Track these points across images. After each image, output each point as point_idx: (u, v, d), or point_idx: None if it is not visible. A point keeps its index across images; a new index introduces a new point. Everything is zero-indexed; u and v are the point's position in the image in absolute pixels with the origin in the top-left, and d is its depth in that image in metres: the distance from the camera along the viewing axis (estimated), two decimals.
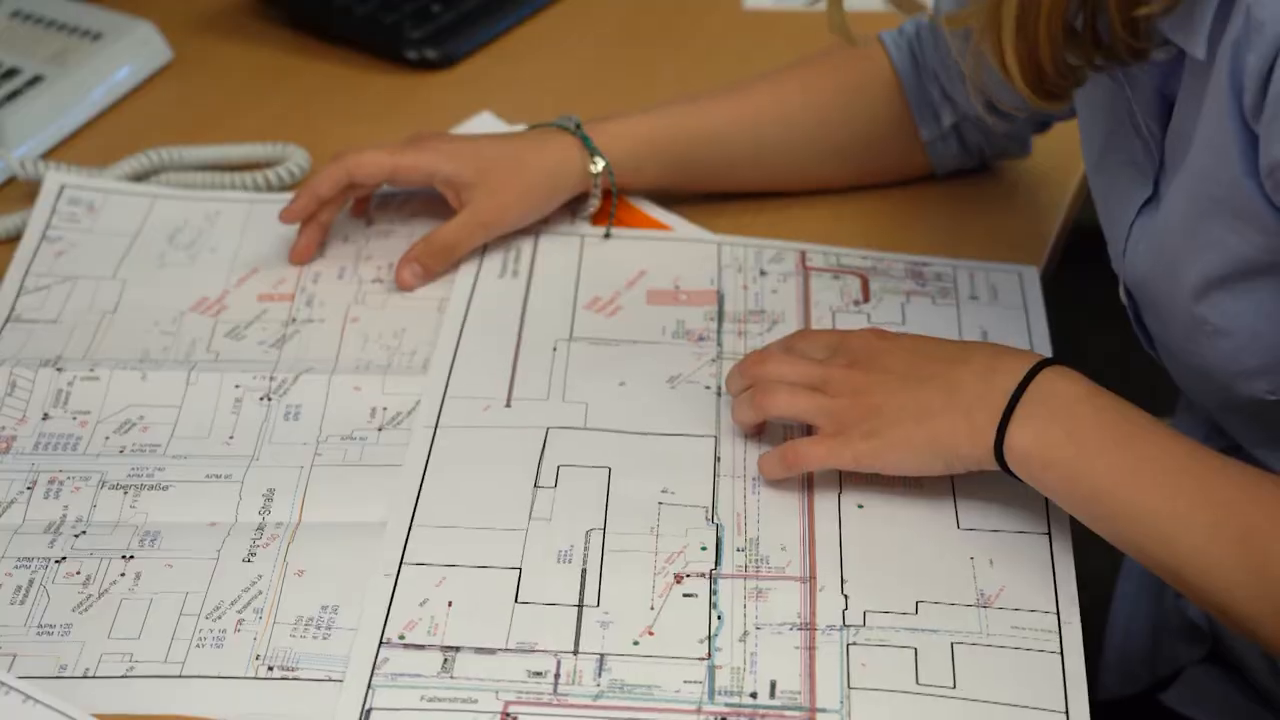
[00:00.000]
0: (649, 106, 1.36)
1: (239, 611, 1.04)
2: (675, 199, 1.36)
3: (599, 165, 1.31)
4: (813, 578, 1.06)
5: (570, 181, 1.32)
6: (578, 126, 1.32)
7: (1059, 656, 1.02)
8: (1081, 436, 1.02)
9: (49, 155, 1.45)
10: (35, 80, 1.48)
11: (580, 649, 1.02)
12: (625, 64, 1.57)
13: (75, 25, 1.54)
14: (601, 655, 1.01)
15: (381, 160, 1.29)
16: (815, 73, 1.35)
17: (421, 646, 1.02)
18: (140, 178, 1.40)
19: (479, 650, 1.02)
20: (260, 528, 1.09)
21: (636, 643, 1.02)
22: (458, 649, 1.02)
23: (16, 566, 1.06)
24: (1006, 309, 1.26)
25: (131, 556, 1.07)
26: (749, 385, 1.14)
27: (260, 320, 1.27)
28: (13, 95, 1.47)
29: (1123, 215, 1.13)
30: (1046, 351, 1.21)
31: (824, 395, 1.10)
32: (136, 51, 1.54)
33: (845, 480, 1.12)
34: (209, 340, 1.24)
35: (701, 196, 1.37)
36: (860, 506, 1.11)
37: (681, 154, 1.34)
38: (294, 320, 1.27)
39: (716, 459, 1.14)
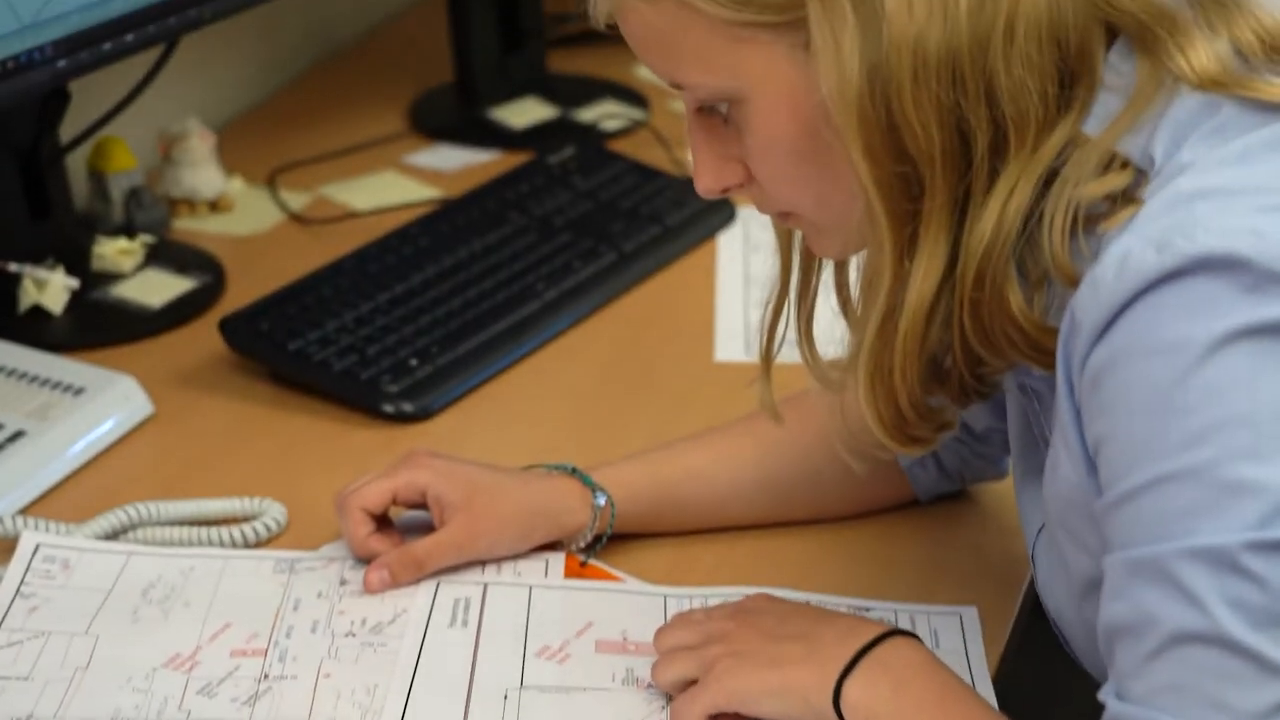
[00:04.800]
0: (628, 455, 1.40)
1: None
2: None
3: (601, 500, 1.36)
4: None
5: (550, 523, 1.36)
6: (574, 471, 1.37)
7: None
8: (904, 695, 1.13)
9: (28, 509, 1.46)
10: (17, 435, 1.50)
11: None
12: (600, 415, 1.60)
13: (58, 380, 1.57)
14: None
15: (383, 487, 1.35)
16: (791, 408, 1.38)
17: None
18: (116, 534, 1.41)
19: None
20: None
21: None
22: None
23: None
24: (947, 653, 1.27)
25: None
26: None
27: (233, 677, 1.26)
28: None
29: (1031, 533, 1.19)
30: (988, 691, 1.24)
31: (701, 649, 1.20)
32: (119, 406, 1.56)
33: None
34: (181, 698, 1.24)
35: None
36: None
37: (663, 496, 1.39)
38: (266, 676, 1.26)
39: None
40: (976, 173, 1.04)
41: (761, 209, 1.17)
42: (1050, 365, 1.06)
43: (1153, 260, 0.95)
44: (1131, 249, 0.97)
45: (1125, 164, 1.03)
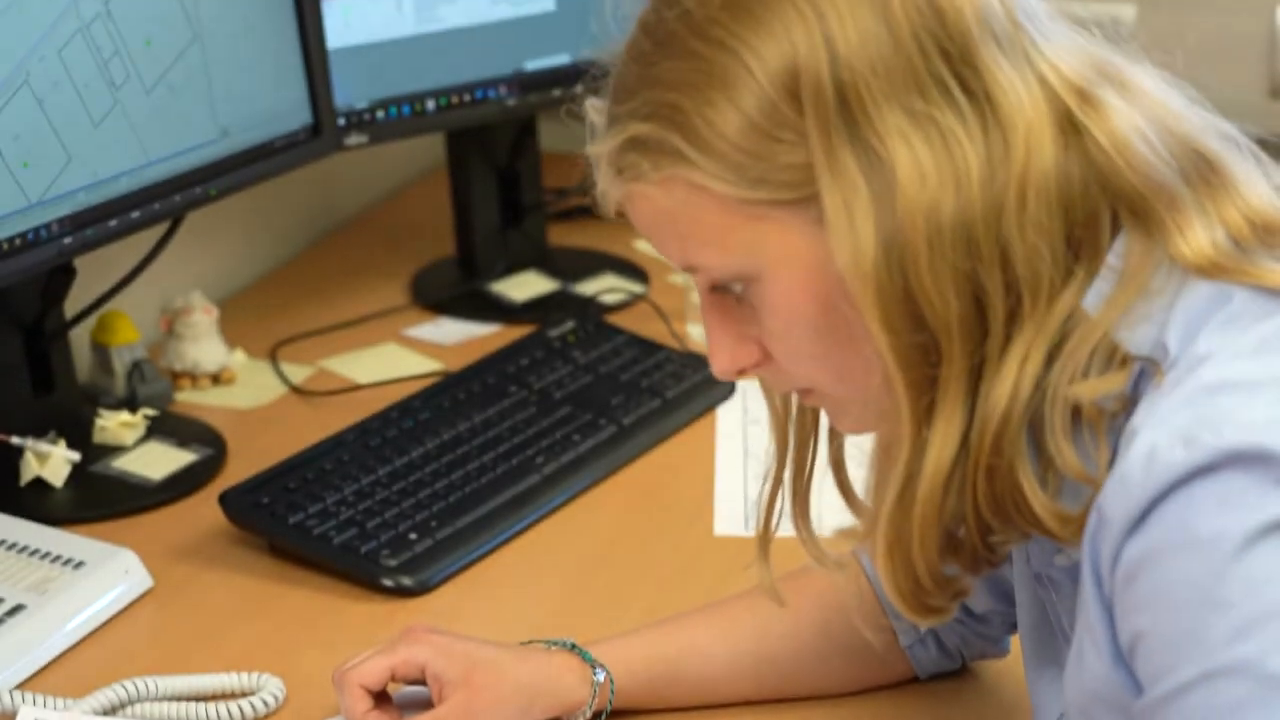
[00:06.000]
0: (627, 630, 1.40)
1: None
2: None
3: (600, 676, 1.35)
4: None
5: (549, 699, 1.35)
6: (573, 647, 1.37)
7: None
8: None
9: (26, 684, 1.45)
10: (16, 609, 1.50)
11: None
12: (600, 589, 1.60)
13: (58, 554, 1.57)
14: None
15: (381, 664, 1.34)
16: (791, 586, 1.38)
17: None
18: (114, 710, 1.40)
19: None
20: None
21: None
22: None
23: None
24: None
25: None
26: None
27: None
28: None
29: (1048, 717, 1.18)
30: None
31: None
32: (118, 580, 1.56)
33: None
34: None
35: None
36: None
37: (662, 672, 1.38)
38: None
39: None
40: (992, 338, 1.04)
41: (778, 388, 1.17)
42: (1058, 538, 1.06)
43: (1181, 456, 0.96)
44: (1158, 444, 0.98)
45: (1125, 360, 1.04)
